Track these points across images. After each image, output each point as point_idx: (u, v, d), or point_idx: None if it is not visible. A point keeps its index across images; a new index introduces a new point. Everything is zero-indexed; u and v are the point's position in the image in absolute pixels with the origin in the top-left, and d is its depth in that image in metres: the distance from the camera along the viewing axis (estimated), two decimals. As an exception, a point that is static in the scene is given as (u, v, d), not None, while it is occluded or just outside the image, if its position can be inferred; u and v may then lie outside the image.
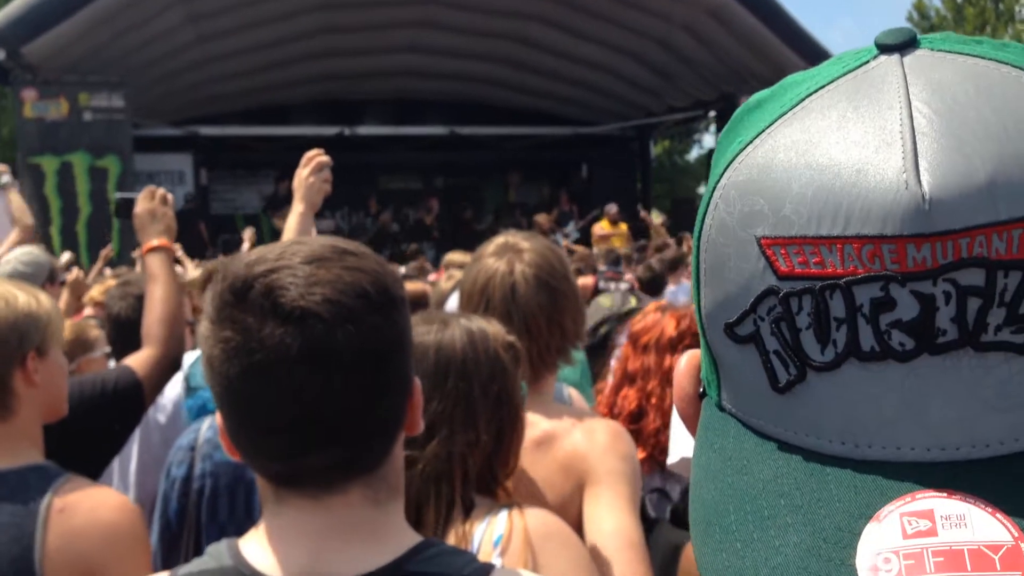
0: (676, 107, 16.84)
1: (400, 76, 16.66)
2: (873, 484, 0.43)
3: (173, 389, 3.09)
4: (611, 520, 1.74)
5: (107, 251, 7.48)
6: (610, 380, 2.81)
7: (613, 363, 2.81)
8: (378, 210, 16.42)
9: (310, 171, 2.42)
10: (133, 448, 3.07)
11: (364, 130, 16.28)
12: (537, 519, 1.51)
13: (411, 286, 4.80)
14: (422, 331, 1.58)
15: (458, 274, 3.88)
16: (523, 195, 18.72)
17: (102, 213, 12.29)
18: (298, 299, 1.01)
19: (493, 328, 1.65)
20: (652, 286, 6.29)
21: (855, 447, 0.45)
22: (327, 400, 1.03)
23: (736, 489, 0.48)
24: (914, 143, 0.43)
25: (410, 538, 1.12)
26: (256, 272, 1.03)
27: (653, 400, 2.55)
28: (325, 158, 2.47)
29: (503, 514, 1.50)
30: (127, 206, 2.56)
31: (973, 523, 0.41)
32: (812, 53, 14.05)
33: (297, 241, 1.11)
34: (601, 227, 13.20)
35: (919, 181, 0.42)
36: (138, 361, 2.30)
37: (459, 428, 1.53)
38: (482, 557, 1.41)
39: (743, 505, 0.47)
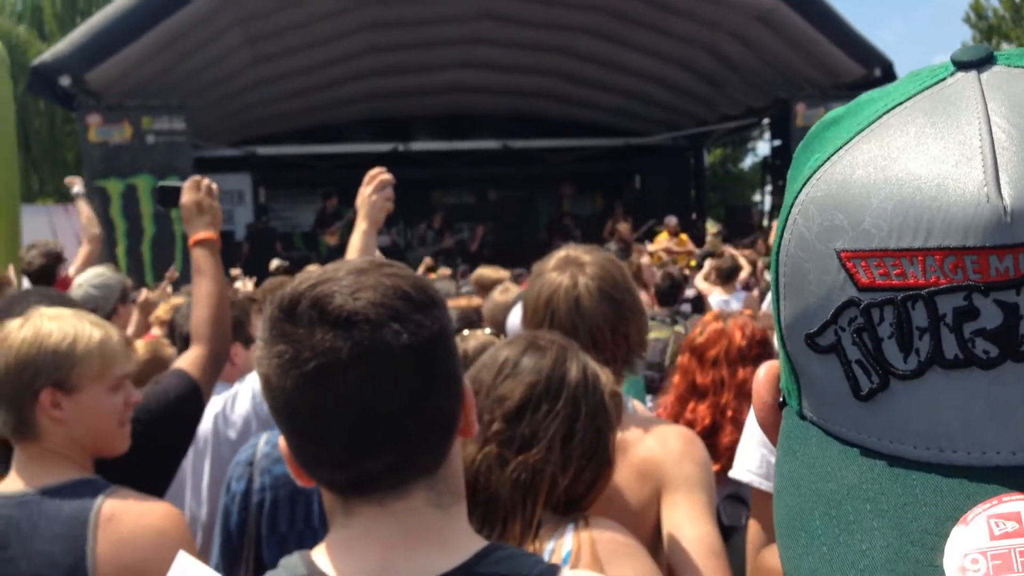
0: (729, 115, 16.72)
1: (451, 92, 16.77)
2: (959, 488, 0.44)
3: (243, 405, 3.15)
4: (692, 528, 1.74)
5: (171, 272, 7.63)
6: (665, 395, 2.80)
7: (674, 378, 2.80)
8: (442, 226, 16.51)
9: (373, 189, 2.46)
10: (205, 464, 3.12)
11: (417, 146, 16.41)
12: (603, 534, 1.52)
13: (463, 301, 4.79)
14: (535, 358, 1.62)
15: (513, 287, 3.90)
16: (577, 207, 18.70)
17: (166, 234, 12.54)
18: (344, 304, 1.06)
19: (605, 374, 1.68)
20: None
21: (940, 452, 0.46)
22: (381, 399, 1.06)
23: (820, 494, 0.49)
24: (994, 157, 0.44)
25: (476, 542, 1.14)
26: (302, 288, 1.09)
27: (729, 413, 2.53)
28: (388, 176, 2.50)
29: (570, 531, 1.51)
30: (171, 195, 2.52)
31: None
32: (864, 55, 13.85)
33: (338, 261, 1.18)
34: (662, 239, 13.17)
35: (1000, 194, 0.43)
36: (190, 363, 2.33)
37: (557, 447, 1.55)
38: None
39: (828, 510, 0.48)
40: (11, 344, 1.73)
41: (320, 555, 1.13)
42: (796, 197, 0.52)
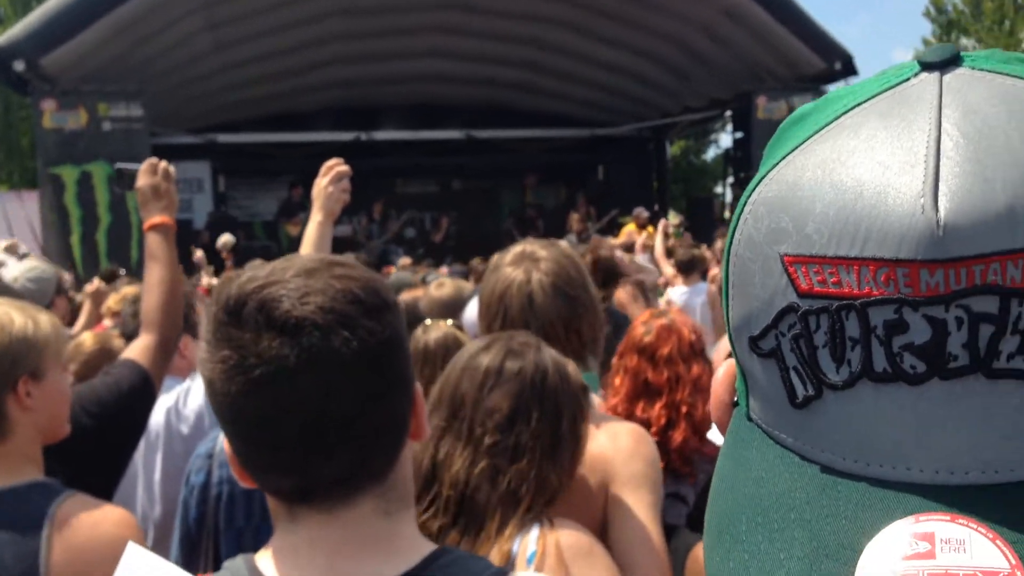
0: (692, 107, 16.81)
1: (417, 81, 16.70)
2: (880, 503, 0.44)
3: (195, 400, 3.11)
4: (635, 527, 1.76)
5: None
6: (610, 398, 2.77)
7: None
8: (383, 215, 16.44)
9: (329, 180, 2.43)
10: (157, 458, 3.09)
11: (381, 135, 16.32)
12: (568, 537, 1.54)
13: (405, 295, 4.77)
14: (516, 363, 1.65)
15: (448, 282, 3.87)
16: (540, 197, 18.74)
17: (122, 222, 12.38)
18: (291, 309, 1.02)
19: (571, 366, 1.71)
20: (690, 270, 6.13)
21: (866, 465, 0.45)
22: (330, 406, 1.04)
23: (751, 499, 0.48)
24: (937, 167, 0.43)
25: (425, 547, 1.13)
26: (248, 290, 1.05)
27: (684, 409, 2.53)
28: (344, 168, 2.48)
29: (535, 531, 1.53)
30: (128, 178, 2.50)
31: (972, 548, 0.41)
32: (827, 50, 14.02)
33: (286, 259, 1.14)
34: (629, 232, 13.22)
35: (936, 206, 0.42)
36: (140, 351, 2.31)
37: (547, 450, 1.59)
38: (517, 573, 1.45)
39: (755, 516, 0.47)
40: None
41: (264, 560, 1.11)
42: (749, 196, 0.51)
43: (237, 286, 1.07)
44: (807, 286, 0.46)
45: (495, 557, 1.49)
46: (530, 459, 1.56)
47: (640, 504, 1.79)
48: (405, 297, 4.25)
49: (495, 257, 2.10)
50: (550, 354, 1.68)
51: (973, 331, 0.42)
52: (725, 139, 28.43)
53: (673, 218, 13.86)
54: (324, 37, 14.71)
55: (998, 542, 0.40)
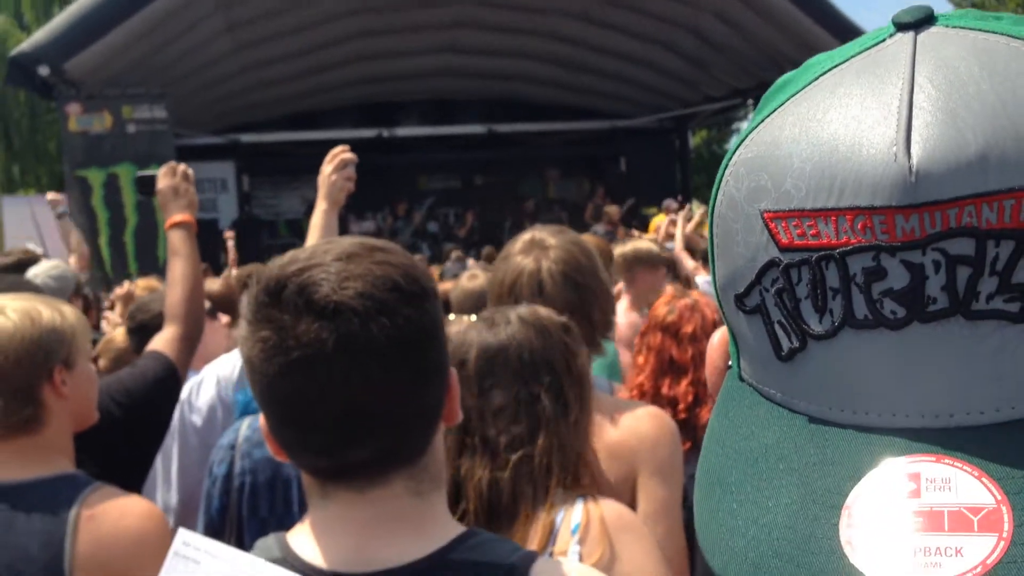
0: (713, 96, 16.70)
1: (436, 77, 16.70)
2: (866, 449, 0.45)
3: (208, 392, 3.15)
4: (657, 526, 1.79)
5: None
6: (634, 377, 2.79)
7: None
8: (407, 211, 16.46)
9: (333, 168, 2.44)
10: (173, 451, 3.13)
11: (402, 131, 16.34)
12: (612, 510, 1.54)
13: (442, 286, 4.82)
14: (483, 332, 1.64)
15: (481, 274, 3.89)
16: (562, 190, 18.68)
17: (149, 223, 12.48)
18: (331, 294, 1.03)
19: (544, 311, 1.69)
20: None
21: (852, 413, 0.46)
22: (366, 393, 1.05)
23: (741, 452, 0.50)
24: (909, 117, 0.44)
25: (453, 528, 1.14)
26: (289, 272, 1.06)
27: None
28: (350, 155, 2.49)
29: (579, 504, 1.53)
30: (148, 184, 2.58)
31: (958, 486, 0.42)
32: (845, 32, 13.81)
33: (327, 241, 1.14)
34: (659, 224, 13.13)
35: (908, 153, 0.42)
36: (165, 343, 2.35)
37: (560, 415, 1.58)
38: (560, 544, 1.46)
39: (745, 468, 0.49)
40: (10, 331, 1.73)
41: (296, 537, 1.13)
42: (731, 158, 0.52)
43: (279, 267, 1.08)
44: (787, 240, 0.47)
45: (537, 529, 1.50)
46: (547, 431, 1.56)
47: (666, 501, 1.82)
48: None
49: (505, 246, 2.11)
50: (519, 318, 1.66)
51: (951, 274, 0.43)
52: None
53: (697, 208, 13.76)
54: (342, 36, 14.75)
55: (983, 479, 0.41)
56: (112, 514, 1.68)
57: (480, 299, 3.48)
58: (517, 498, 1.53)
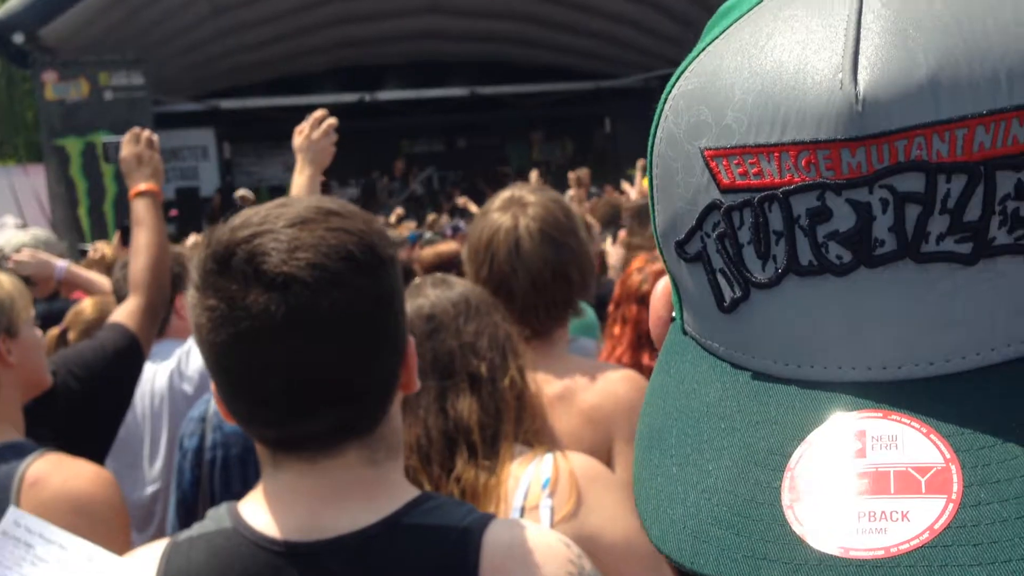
0: (699, 55, 16.65)
1: (419, 39, 16.55)
2: (812, 405, 0.41)
3: (197, 359, 3.11)
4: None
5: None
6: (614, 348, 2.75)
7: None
8: (405, 171, 16.40)
9: (321, 133, 2.39)
10: (163, 421, 3.10)
11: (385, 95, 16.23)
12: (582, 462, 1.54)
13: (444, 247, 4.82)
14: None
15: (438, 240, 3.87)
16: (547, 153, 18.63)
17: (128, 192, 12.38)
18: (280, 265, 1.00)
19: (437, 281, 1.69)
20: None
21: (798, 367, 0.42)
22: (317, 366, 1.03)
23: (682, 411, 0.46)
24: (857, 40, 0.40)
25: (408, 492, 1.12)
26: (239, 238, 1.02)
27: None
28: (333, 120, 2.44)
29: (548, 458, 1.52)
30: (114, 150, 2.56)
31: (905, 444, 0.38)
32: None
33: (281, 203, 1.10)
34: (645, 185, 13.08)
35: (855, 80, 0.39)
36: (127, 314, 2.32)
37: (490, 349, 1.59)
38: (531, 498, 1.46)
39: (685, 428, 0.45)
40: None
41: (247, 505, 1.11)
42: (670, 91, 0.48)
43: (228, 231, 1.04)
44: (729, 180, 0.43)
45: (508, 482, 1.49)
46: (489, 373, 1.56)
47: None
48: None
49: (486, 203, 2.08)
50: (432, 288, 1.66)
51: (899, 213, 0.39)
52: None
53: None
54: (323, -3, 14.58)
55: (932, 436, 0.38)
56: (56, 478, 1.66)
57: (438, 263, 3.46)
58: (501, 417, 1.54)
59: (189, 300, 1.07)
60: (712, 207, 0.44)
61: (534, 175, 8.14)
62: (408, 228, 9.02)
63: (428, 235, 7.20)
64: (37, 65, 12.32)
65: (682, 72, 0.48)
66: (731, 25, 0.46)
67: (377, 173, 16.24)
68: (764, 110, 0.41)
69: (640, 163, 12.91)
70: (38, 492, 1.63)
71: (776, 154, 0.41)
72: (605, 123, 18.21)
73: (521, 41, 16.98)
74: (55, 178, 12.38)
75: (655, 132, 0.48)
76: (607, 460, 1.81)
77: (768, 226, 0.42)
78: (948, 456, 0.38)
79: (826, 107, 0.39)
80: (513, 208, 1.94)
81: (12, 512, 1.10)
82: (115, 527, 1.67)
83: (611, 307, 2.72)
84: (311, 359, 1.02)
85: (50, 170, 12.56)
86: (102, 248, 5.43)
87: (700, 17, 15.32)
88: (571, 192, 7.12)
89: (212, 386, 1.11)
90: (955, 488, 0.37)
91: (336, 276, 1.01)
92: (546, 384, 1.84)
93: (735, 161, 0.42)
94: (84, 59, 12.38)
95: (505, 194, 2.03)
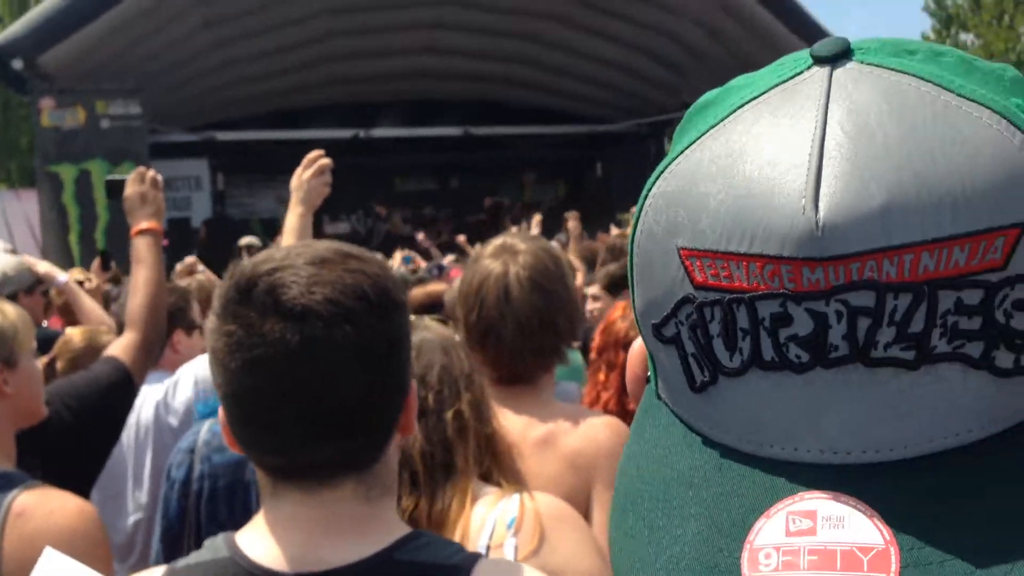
0: (690, 103, 16.68)
1: (414, 78, 16.69)
2: (770, 482, 0.46)
3: (184, 392, 3.14)
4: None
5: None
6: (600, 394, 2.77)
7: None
8: (388, 213, 16.44)
9: (312, 173, 2.44)
10: (147, 453, 3.11)
11: (379, 132, 16.31)
12: (548, 503, 1.57)
13: (433, 287, 4.83)
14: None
15: (433, 283, 3.90)
16: (539, 194, 18.73)
17: (120, 220, 12.32)
18: (299, 297, 1.06)
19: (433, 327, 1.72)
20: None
21: (759, 446, 0.47)
22: (324, 396, 1.08)
23: (656, 478, 0.50)
24: (819, 166, 0.44)
25: (399, 529, 1.16)
26: (261, 271, 1.09)
27: None
28: (327, 160, 2.49)
29: (515, 498, 1.55)
30: (118, 188, 2.59)
31: (851, 525, 0.42)
32: (823, 45, 14.00)
33: (304, 244, 1.17)
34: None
35: (816, 207, 0.43)
36: (122, 348, 2.35)
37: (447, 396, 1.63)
38: (497, 538, 1.49)
39: (657, 494, 0.49)
40: None
41: (245, 535, 1.14)
42: (651, 189, 0.52)
43: (252, 265, 1.11)
44: (702, 279, 0.48)
45: (474, 523, 1.51)
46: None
47: None
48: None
49: (476, 249, 2.12)
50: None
51: (852, 323, 0.44)
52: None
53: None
54: (321, 34, 14.71)
55: (875, 519, 0.42)
56: (41, 511, 1.67)
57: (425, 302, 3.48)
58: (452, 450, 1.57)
59: (208, 326, 1.12)
60: (686, 300, 0.49)
61: (536, 219, 8.24)
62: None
63: (420, 271, 7.23)
64: (35, 91, 12.37)
65: (662, 172, 0.52)
66: (708, 131, 0.51)
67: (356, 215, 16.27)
68: (735, 222, 0.46)
69: (633, 209, 13.03)
70: (23, 524, 1.64)
71: (745, 263, 0.46)
72: (597, 167, 18.34)
73: (515, 83, 17.14)
74: (47, 204, 12.39)
75: (636, 224, 0.53)
76: (587, 504, 1.84)
77: (736, 323, 0.47)
78: (888, 538, 0.42)
79: (790, 229, 0.44)
80: (504, 255, 1.98)
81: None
82: (97, 560, 1.68)
83: (594, 353, 2.75)
84: (320, 388, 1.07)
85: (43, 196, 12.56)
86: (76, 274, 5.43)
87: (692, 65, 15.57)
88: (573, 233, 7.25)
89: (220, 412, 1.15)
90: (893, 568, 0.41)
91: (350, 312, 1.07)
92: (530, 429, 1.88)
93: (708, 263, 0.47)
94: (82, 87, 12.44)
95: (497, 241, 2.07)
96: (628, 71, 16.40)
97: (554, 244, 2.17)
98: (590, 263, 6.22)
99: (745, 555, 0.43)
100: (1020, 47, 22.51)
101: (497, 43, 15.87)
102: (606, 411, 2.66)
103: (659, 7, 14.33)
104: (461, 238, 10.08)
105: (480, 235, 8.17)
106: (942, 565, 0.41)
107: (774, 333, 0.45)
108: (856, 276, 0.43)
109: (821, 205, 0.43)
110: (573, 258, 5.54)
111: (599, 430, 1.91)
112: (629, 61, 16.04)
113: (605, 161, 18.19)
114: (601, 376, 2.72)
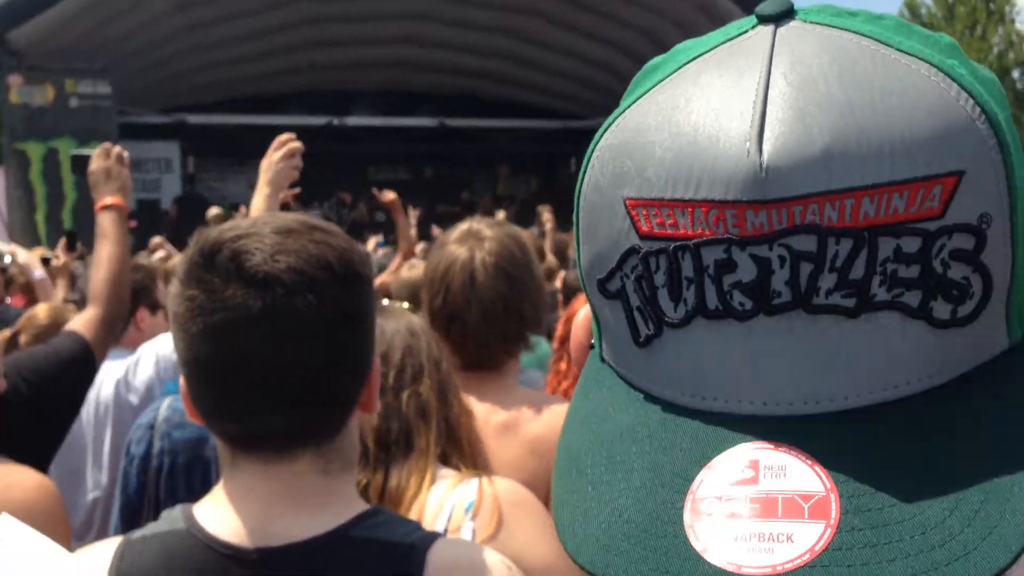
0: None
1: (391, 67, 16.62)
2: (713, 434, 0.46)
3: (145, 370, 3.11)
4: None
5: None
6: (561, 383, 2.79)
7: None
8: (353, 201, 16.34)
9: (282, 155, 2.42)
10: (107, 431, 3.08)
11: (353, 121, 16.23)
12: (507, 487, 1.57)
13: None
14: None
15: (420, 264, 3.90)
16: (512, 187, 18.73)
17: (87, 200, 12.18)
18: (262, 264, 1.06)
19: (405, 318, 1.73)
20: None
21: (702, 399, 0.47)
22: (285, 363, 1.08)
23: (597, 435, 0.51)
24: (763, 113, 0.45)
25: (358, 505, 1.15)
26: (226, 237, 1.09)
27: None
28: (297, 144, 2.48)
29: (474, 482, 1.55)
30: (83, 163, 2.58)
31: (792, 474, 0.43)
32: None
33: (271, 214, 1.17)
34: None
35: (760, 150, 0.44)
36: (84, 323, 2.32)
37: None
38: (454, 521, 1.48)
39: (600, 450, 0.50)
40: None
41: (203, 508, 1.14)
42: (597, 143, 0.53)
43: (217, 232, 1.10)
44: (648, 228, 0.48)
45: (430, 507, 1.51)
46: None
47: None
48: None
49: (442, 235, 2.12)
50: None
51: (794, 269, 0.44)
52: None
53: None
54: (298, 20, 14.61)
55: (816, 467, 0.43)
56: None
57: (416, 288, 3.47)
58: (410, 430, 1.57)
59: (171, 291, 1.12)
60: (631, 251, 0.49)
61: (501, 214, 8.25)
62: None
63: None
64: (3, 68, 12.19)
65: (609, 126, 0.53)
66: (655, 85, 0.52)
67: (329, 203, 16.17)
68: (680, 169, 0.46)
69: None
70: None
71: (690, 209, 0.46)
72: (571, 162, 18.35)
73: (492, 77, 17.13)
74: (14, 182, 12.22)
75: (583, 178, 0.53)
76: (547, 490, 1.85)
77: (680, 272, 0.47)
78: (828, 486, 0.43)
79: (734, 171, 0.44)
80: (470, 241, 1.98)
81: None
82: (56, 535, 1.66)
83: (556, 343, 2.77)
84: (280, 355, 1.07)
85: (10, 174, 12.39)
86: (42, 252, 5.37)
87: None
88: (548, 226, 7.27)
89: (180, 381, 1.15)
90: (833, 515, 0.42)
91: (313, 282, 1.07)
92: (492, 414, 1.88)
93: (653, 212, 0.48)
94: (51, 65, 12.28)
95: (463, 226, 2.06)
96: (604, 68, 16.42)
97: (520, 230, 2.16)
98: (563, 257, 6.26)
99: (688, 505, 0.44)
100: (992, 57, 22.80)
101: (476, 36, 15.84)
102: (566, 399, 2.68)
103: (637, 4, 14.37)
104: (436, 230, 10.07)
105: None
106: (881, 512, 0.42)
107: (718, 280, 0.46)
108: (799, 220, 0.44)
109: (765, 148, 0.44)
110: (548, 254, 5.54)
111: (561, 416, 1.90)
112: (606, 59, 16.07)
113: (579, 156, 18.11)
114: (563, 365, 2.73)
